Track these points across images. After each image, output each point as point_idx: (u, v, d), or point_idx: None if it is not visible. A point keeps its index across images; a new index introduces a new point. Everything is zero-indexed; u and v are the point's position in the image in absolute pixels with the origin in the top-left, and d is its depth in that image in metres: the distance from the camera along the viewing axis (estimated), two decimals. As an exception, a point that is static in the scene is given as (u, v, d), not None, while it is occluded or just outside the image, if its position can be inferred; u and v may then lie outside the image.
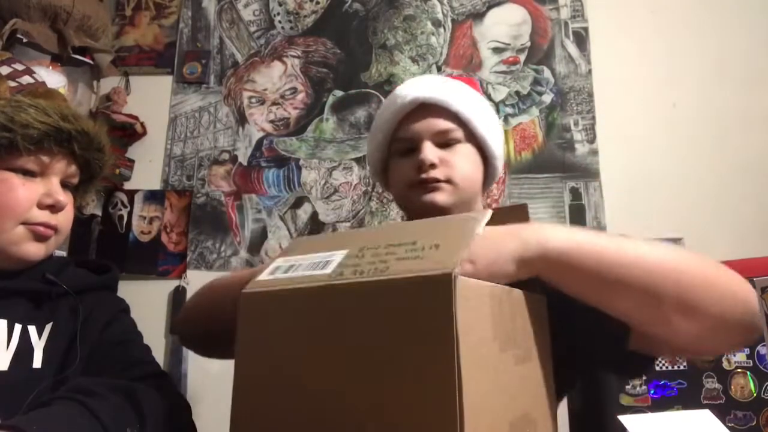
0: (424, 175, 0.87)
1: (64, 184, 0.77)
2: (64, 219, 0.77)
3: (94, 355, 0.70)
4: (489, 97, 2.17)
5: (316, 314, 0.48)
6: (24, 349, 0.68)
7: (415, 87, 0.92)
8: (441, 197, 0.87)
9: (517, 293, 0.56)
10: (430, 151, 0.87)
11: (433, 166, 0.87)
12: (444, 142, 0.90)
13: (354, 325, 0.46)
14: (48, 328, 0.71)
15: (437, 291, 0.43)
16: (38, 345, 0.69)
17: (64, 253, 1.95)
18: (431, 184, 0.87)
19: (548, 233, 0.60)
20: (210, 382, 1.84)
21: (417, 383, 0.43)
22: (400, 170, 0.92)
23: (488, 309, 0.48)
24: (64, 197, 0.76)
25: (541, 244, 0.58)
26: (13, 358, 0.67)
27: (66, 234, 0.78)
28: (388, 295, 0.45)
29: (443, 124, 0.90)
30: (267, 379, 0.49)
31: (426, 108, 0.90)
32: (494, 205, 2.06)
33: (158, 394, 0.65)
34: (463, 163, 0.90)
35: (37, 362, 0.68)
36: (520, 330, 0.54)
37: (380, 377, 0.44)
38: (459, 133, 0.90)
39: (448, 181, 0.88)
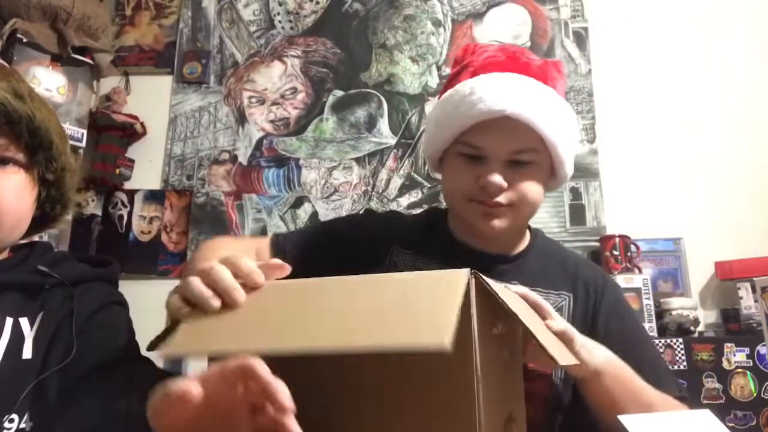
0: (486, 198, 0.79)
1: (2, 160, 0.70)
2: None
3: (79, 341, 0.69)
4: (489, 97, 2.17)
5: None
6: (15, 342, 0.68)
7: (500, 93, 0.78)
8: (500, 223, 0.81)
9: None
10: (499, 176, 0.78)
11: (500, 189, 0.79)
12: (517, 160, 0.80)
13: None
14: (39, 318, 0.71)
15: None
16: (29, 336, 0.69)
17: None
18: (492, 209, 0.80)
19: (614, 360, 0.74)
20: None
21: (437, 387, 0.45)
22: (461, 177, 0.82)
23: (491, 313, 0.49)
24: None
25: (611, 362, 0.72)
26: (5, 351, 0.67)
27: (11, 215, 0.70)
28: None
29: (523, 144, 0.80)
30: None
31: (508, 121, 0.78)
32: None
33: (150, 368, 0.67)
34: (531, 188, 0.81)
35: (27, 353, 0.68)
36: (507, 334, 0.55)
37: (400, 380, 0.45)
38: (536, 156, 0.81)
39: (511, 204, 0.80)
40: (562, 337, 0.63)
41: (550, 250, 0.94)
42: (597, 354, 0.70)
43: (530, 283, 0.79)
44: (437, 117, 0.86)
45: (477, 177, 0.79)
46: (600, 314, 0.86)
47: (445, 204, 0.97)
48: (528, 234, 0.93)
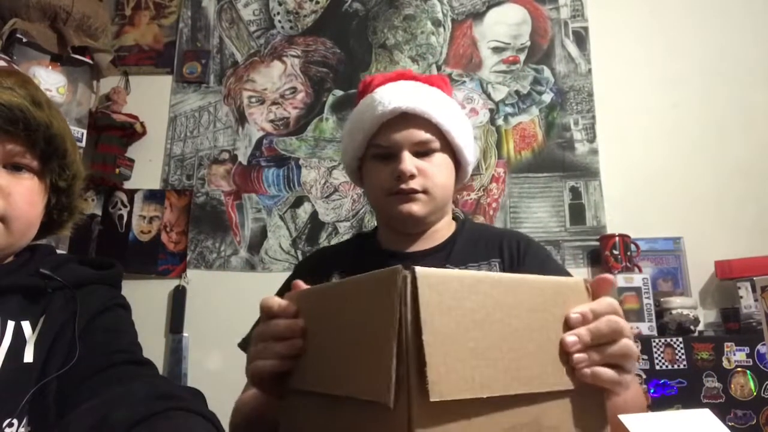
0: (402, 186, 0.90)
1: (17, 166, 0.71)
2: (11, 205, 0.69)
3: (81, 344, 0.69)
4: (489, 97, 2.17)
5: None
6: (16, 346, 0.67)
7: (396, 95, 0.93)
8: (417, 208, 0.91)
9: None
10: (409, 162, 0.90)
11: (411, 176, 0.90)
12: (422, 151, 0.92)
13: None
14: (41, 321, 0.71)
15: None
16: (31, 339, 0.69)
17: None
18: (408, 195, 0.91)
19: None
20: (210, 382, 1.83)
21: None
22: (378, 176, 0.94)
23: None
24: (6, 181, 0.69)
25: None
26: (5, 355, 0.66)
27: (22, 220, 0.71)
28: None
29: (423, 135, 0.92)
30: None
31: (407, 117, 0.92)
32: (494, 205, 2.07)
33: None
34: (439, 172, 0.93)
35: (28, 357, 0.67)
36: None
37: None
38: (437, 143, 0.93)
39: (425, 191, 0.91)
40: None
41: (476, 229, 1.05)
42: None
43: (460, 263, 0.93)
44: (349, 128, 0.99)
45: (392, 171, 0.91)
46: (524, 267, 0.92)
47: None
48: (454, 224, 1.03)
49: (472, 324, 0.44)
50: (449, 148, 0.95)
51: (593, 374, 0.50)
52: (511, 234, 1.02)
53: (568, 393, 0.49)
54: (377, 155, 0.94)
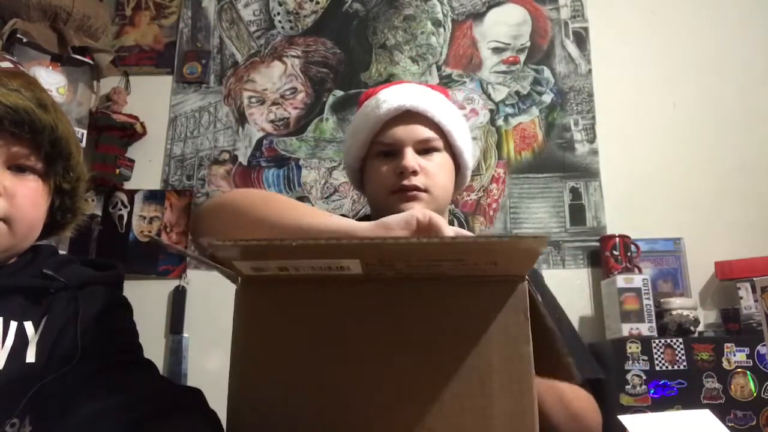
0: (405, 182, 0.90)
1: (21, 168, 0.71)
2: (15, 206, 0.69)
3: (82, 345, 0.69)
4: (489, 97, 2.17)
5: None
6: (19, 346, 0.67)
7: (399, 94, 0.95)
8: (419, 207, 0.90)
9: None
10: (411, 158, 0.91)
11: (414, 173, 0.90)
12: (424, 149, 0.93)
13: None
14: (43, 322, 0.71)
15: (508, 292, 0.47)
16: (33, 340, 0.69)
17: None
18: (410, 192, 0.91)
19: None
20: (209, 381, 1.83)
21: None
22: (380, 174, 0.94)
23: None
24: (10, 182, 0.69)
25: None
26: (8, 355, 0.67)
27: (25, 222, 0.71)
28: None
29: (426, 132, 0.93)
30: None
31: (410, 115, 0.93)
32: (494, 206, 2.07)
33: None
34: (440, 172, 0.94)
35: (30, 357, 0.68)
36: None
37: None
38: (439, 142, 0.94)
39: (426, 190, 0.91)
40: None
41: None
42: None
43: None
44: (352, 129, 1.00)
45: (394, 168, 0.92)
46: None
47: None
48: None
49: None
50: (450, 149, 0.96)
51: None
52: None
53: None
54: (380, 153, 0.95)
